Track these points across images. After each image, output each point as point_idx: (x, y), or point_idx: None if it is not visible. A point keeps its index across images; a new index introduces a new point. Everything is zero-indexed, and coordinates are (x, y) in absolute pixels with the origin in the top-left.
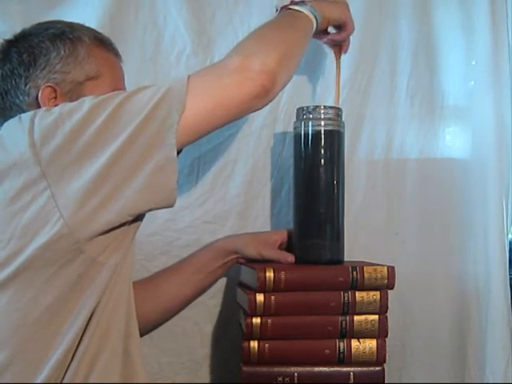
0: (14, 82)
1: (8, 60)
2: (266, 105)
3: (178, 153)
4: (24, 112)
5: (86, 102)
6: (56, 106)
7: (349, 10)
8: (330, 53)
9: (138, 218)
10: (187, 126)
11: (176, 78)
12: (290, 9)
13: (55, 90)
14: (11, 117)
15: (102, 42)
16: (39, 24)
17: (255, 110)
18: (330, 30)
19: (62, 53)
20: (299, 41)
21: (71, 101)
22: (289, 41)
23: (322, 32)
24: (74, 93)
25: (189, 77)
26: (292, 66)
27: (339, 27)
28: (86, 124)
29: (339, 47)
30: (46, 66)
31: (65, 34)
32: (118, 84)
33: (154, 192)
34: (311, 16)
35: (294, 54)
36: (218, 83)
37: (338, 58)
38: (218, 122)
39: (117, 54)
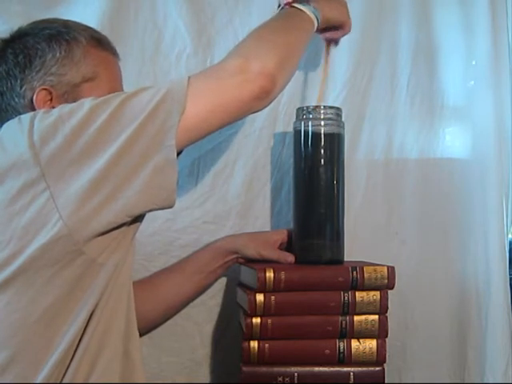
0: (9, 84)
1: (4, 61)
2: (265, 106)
3: (178, 154)
4: (20, 114)
5: (86, 103)
6: (53, 108)
7: (348, 11)
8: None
9: (138, 218)
10: (187, 127)
11: (176, 80)
12: (293, 6)
13: (50, 93)
14: (7, 118)
15: (98, 42)
16: (35, 23)
17: (255, 112)
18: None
19: (58, 54)
20: (299, 42)
21: (67, 103)
22: (289, 42)
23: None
24: (70, 95)
25: (189, 78)
26: (291, 67)
27: (336, 27)
28: (86, 125)
29: (331, 41)
30: (41, 68)
31: (61, 35)
32: (115, 84)
33: (153, 193)
34: (313, 17)
35: (293, 55)
36: (217, 85)
37: (327, 51)
38: (218, 124)
39: (114, 53)
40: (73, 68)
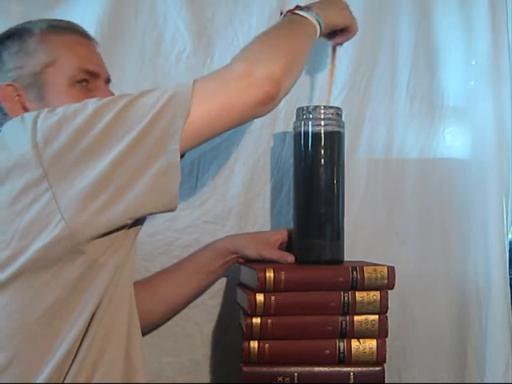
0: None
1: None
2: (269, 111)
3: (181, 157)
4: None
5: (90, 104)
6: (23, 101)
7: (351, 13)
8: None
9: (139, 221)
10: (191, 131)
11: (181, 83)
12: (295, 13)
13: (16, 88)
14: None
15: (56, 28)
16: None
17: (259, 117)
18: None
19: (12, 50)
20: (304, 48)
21: (38, 90)
22: (294, 48)
23: (326, 35)
24: (35, 83)
25: (194, 82)
26: (296, 72)
27: (342, 30)
28: (90, 125)
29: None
30: (0, 68)
31: (15, 32)
32: (83, 61)
33: (155, 196)
34: (316, 23)
35: (298, 61)
36: (222, 89)
37: (334, 54)
38: (222, 128)
39: (81, 35)
40: (29, 59)
